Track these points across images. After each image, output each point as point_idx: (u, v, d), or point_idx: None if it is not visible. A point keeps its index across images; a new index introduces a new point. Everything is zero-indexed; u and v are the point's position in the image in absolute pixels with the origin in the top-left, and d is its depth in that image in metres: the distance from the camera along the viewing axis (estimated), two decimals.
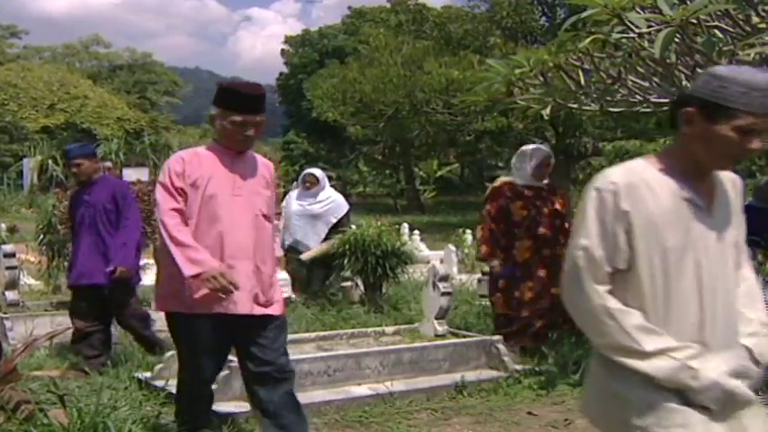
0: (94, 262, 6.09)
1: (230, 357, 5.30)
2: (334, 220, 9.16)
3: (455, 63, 24.34)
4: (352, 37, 40.57)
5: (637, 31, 5.01)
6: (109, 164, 38.44)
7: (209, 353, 4.01)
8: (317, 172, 9.53)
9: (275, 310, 4.02)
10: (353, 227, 10.64)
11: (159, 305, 4.03)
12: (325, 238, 9.11)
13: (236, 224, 3.86)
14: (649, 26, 5.06)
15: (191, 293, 3.75)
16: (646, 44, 5.39)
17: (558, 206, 7.05)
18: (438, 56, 25.21)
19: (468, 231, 16.40)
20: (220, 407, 4.91)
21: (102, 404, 4.18)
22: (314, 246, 9.08)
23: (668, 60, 5.30)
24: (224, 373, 5.07)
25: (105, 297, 6.15)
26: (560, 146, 27.46)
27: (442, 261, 14.20)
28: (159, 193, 3.87)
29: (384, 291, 9.29)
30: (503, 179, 7.27)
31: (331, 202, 9.28)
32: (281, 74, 52.06)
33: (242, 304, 3.83)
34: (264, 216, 3.98)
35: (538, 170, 6.95)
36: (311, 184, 9.21)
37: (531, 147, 7.26)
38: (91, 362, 5.89)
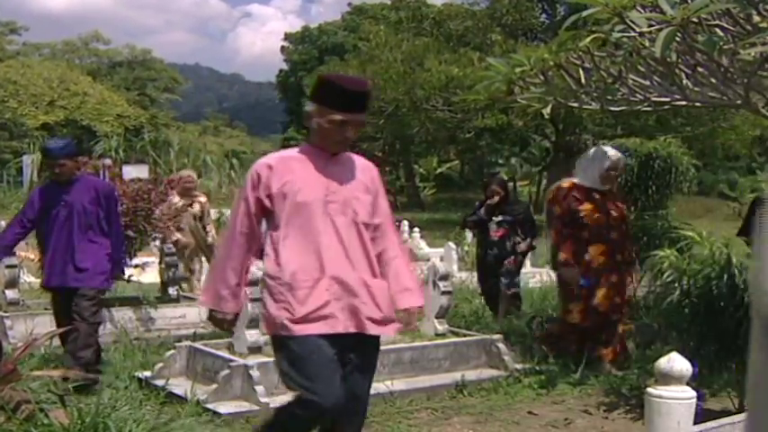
0: (64, 264, 5.70)
1: (232, 357, 5.32)
2: None
3: (455, 60, 24.34)
4: (353, 34, 40.58)
5: (638, 30, 5.00)
6: (109, 161, 38.52)
7: (323, 377, 3.36)
8: None
9: (391, 330, 3.60)
10: None
11: (267, 328, 3.54)
12: None
13: (331, 234, 3.42)
14: (650, 25, 5.05)
15: (293, 314, 3.35)
16: (647, 43, 5.38)
17: (623, 210, 6.77)
18: (438, 53, 25.21)
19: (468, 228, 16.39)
20: (220, 407, 4.91)
21: (103, 404, 4.17)
22: None
23: (669, 59, 5.28)
24: (224, 372, 5.08)
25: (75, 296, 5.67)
26: (560, 143, 27.48)
27: (442, 258, 14.21)
28: (238, 206, 3.54)
29: None
30: (569, 180, 6.76)
31: None
32: (280, 71, 52.09)
33: (342, 322, 3.40)
34: (366, 224, 3.51)
35: (607, 173, 6.55)
36: None
37: (602, 149, 6.80)
38: (76, 363, 5.42)
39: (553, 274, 13.06)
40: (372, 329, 3.44)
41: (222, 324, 3.63)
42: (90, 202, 5.77)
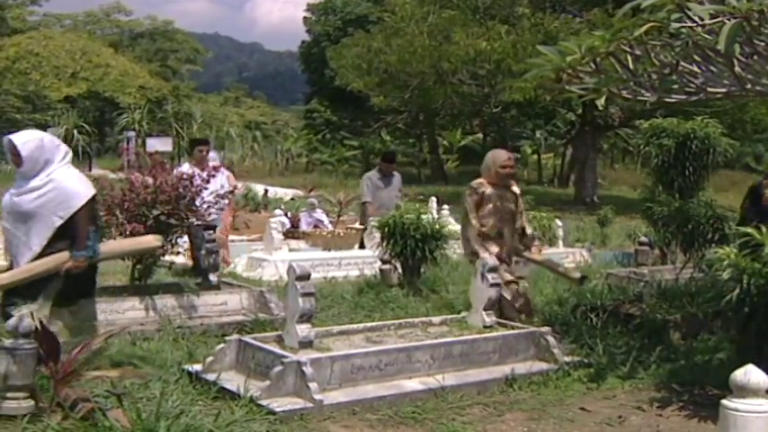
0: None
1: (285, 353, 5.28)
2: (60, 221, 5.44)
3: (482, 33, 24.11)
4: (377, 5, 40.20)
5: (700, 22, 4.87)
6: (132, 133, 38.67)
7: None
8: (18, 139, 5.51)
9: None
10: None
11: None
12: (46, 253, 5.42)
13: None
14: (712, 16, 4.92)
15: None
16: (701, 32, 5.24)
17: None
18: (465, 26, 24.99)
19: None
20: (274, 404, 4.88)
21: (165, 412, 4.15)
22: (24, 262, 5.44)
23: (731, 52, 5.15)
24: (277, 369, 5.05)
25: None
26: (587, 116, 27.22)
27: None
28: None
29: (423, 270, 9.24)
30: None
31: (49, 191, 5.46)
32: (303, 42, 51.81)
33: None
34: None
35: None
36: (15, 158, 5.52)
37: None
38: None
39: (587, 254, 13.04)
40: None
41: None
42: None
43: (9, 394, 4.33)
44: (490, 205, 6.77)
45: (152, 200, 7.19)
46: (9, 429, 4.26)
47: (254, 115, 60.45)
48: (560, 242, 13.65)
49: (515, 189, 7.04)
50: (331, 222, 14.95)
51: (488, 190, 6.82)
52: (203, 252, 7.93)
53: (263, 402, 4.89)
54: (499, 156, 7.06)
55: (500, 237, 6.82)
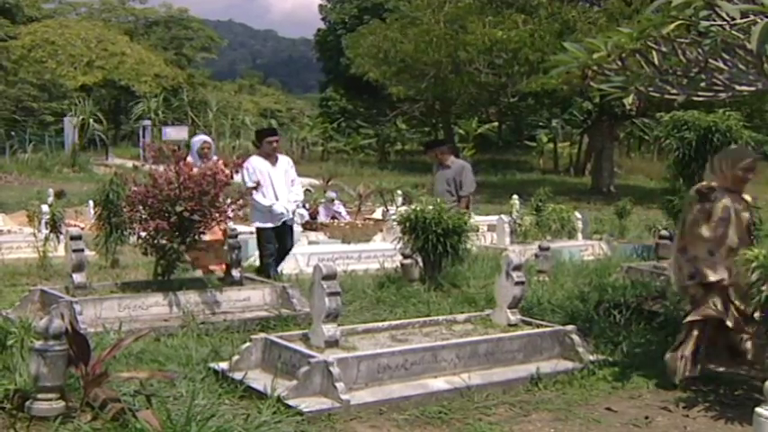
0: None
1: (312, 353, 5.29)
2: None
3: (498, 23, 24.00)
4: None
5: (731, 22, 4.82)
6: (148, 122, 38.64)
7: None
8: None
9: None
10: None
11: None
12: None
13: None
14: (742, 14, 4.87)
15: None
16: (729, 30, 5.19)
17: None
18: (481, 15, 24.87)
19: (515, 196, 16.23)
20: (302, 404, 4.89)
21: (195, 413, 4.16)
22: None
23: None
24: (304, 368, 5.06)
25: None
26: (604, 106, 27.07)
27: (489, 228, 14.09)
28: None
29: (443, 265, 9.22)
30: None
31: None
32: (318, 30, 51.71)
33: None
34: None
35: None
36: None
37: None
38: None
39: (606, 246, 12.99)
40: None
41: None
42: None
43: (40, 395, 4.35)
44: (722, 215, 5.52)
45: (175, 196, 7.20)
46: (41, 431, 4.29)
47: (268, 103, 60.43)
48: (579, 234, 13.60)
49: (747, 196, 5.78)
50: (349, 213, 14.95)
51: (721, 196, 5.54)
52: (226, 247, 7.94)
53: (291, 402, 4.89)
54: (742, 155, 5.74)
55: (733, 254, 5.46)
